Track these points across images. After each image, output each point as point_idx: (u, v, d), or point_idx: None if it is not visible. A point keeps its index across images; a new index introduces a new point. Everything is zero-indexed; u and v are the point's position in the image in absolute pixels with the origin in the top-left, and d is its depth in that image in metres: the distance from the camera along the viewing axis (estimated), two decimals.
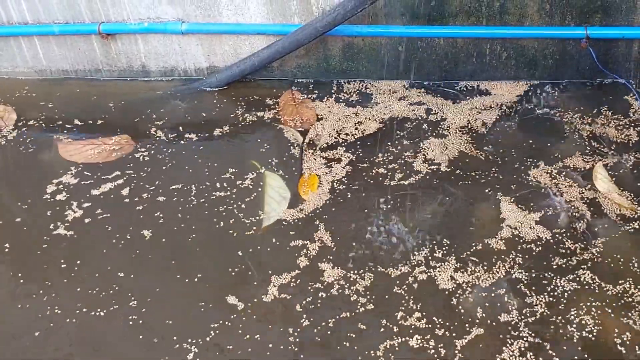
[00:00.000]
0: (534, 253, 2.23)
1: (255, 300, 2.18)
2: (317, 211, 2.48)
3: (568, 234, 2.28)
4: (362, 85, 3.09)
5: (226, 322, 2.12)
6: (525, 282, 2.14)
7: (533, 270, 2.17)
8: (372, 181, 2.58)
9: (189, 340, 2.07)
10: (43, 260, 2.39)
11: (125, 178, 2.69)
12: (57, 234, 2.48)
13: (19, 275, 2.34)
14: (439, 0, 2.87)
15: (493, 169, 2.57)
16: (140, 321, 2.14)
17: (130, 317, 2.16)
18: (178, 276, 2.28)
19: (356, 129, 2.84)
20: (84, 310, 2.19)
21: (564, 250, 2.23)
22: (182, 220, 2.50)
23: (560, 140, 2.68)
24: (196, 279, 2.27)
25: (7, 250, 2.45)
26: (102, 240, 2.44)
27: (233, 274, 2.27)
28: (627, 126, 2.73)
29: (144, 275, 2.31)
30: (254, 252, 2.34)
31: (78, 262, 2.37)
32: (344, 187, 2.56)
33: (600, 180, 2.49)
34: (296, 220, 2.45)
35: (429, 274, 2.19)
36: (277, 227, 2.43)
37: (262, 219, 2.47)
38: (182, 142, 2.87)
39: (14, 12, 3.19)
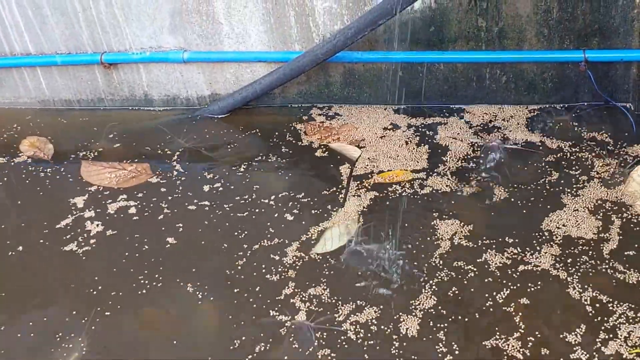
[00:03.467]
0: None
1: None
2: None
3: None
4: (364, 110, 3.12)
5: None
6: None
7: None
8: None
9: None
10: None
11: (139, 202, 2.71)
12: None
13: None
14: (438, 25, 2.91)
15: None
16: None
17: None
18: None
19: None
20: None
21: None
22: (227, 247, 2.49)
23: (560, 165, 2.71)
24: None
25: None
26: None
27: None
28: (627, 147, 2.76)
29: (161, 289, 2.33)
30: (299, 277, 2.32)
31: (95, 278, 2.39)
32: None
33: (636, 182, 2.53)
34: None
35: None
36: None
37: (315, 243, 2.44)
38: (202, 169, 2.87)
39: (17, 43, 3.22)
